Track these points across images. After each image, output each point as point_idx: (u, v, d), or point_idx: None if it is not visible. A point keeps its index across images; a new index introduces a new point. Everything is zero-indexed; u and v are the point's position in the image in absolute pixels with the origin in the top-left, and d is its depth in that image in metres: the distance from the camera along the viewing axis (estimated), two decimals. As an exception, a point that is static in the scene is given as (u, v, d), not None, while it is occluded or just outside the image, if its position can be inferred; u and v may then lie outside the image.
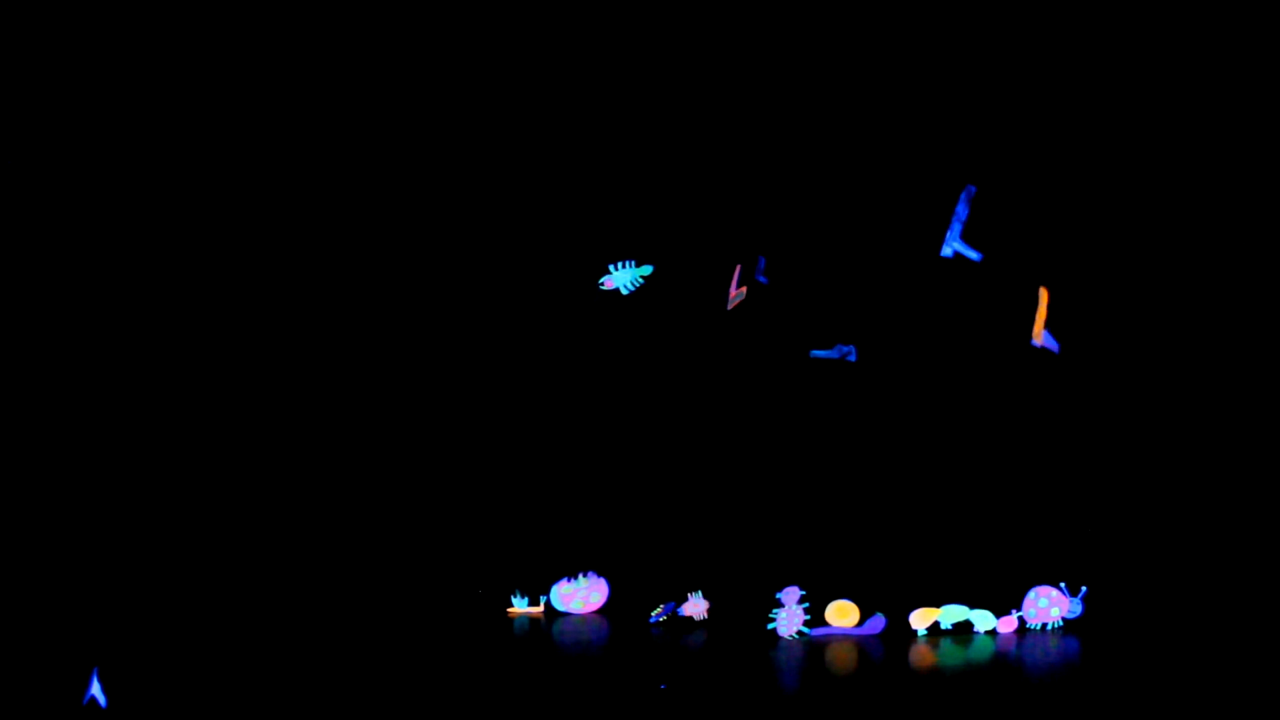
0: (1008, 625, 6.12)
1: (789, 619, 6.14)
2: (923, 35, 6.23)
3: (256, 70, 6.44)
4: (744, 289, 6.32)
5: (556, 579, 6.81)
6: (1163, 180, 6.15)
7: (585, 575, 6.80)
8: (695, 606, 6.47)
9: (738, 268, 6.34)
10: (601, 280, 6.52)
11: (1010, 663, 5.62)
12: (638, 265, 6.50)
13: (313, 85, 6.51)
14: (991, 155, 6.25)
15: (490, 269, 6.81)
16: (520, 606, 6.82)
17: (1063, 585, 6.08)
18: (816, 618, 6.17)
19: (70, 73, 6.27)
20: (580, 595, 6.77)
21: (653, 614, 6.44)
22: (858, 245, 6.39)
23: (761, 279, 6.23)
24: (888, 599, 6.19)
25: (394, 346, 6.78)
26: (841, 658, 5.77)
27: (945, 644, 5.95)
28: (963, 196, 5.85)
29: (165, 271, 6.51)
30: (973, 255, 5.94)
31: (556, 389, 6.83)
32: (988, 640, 6.01)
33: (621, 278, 6.47)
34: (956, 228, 5.89)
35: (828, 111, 6.36)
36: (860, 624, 6.18)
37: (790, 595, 6.17)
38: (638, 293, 6.58)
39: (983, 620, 6.12)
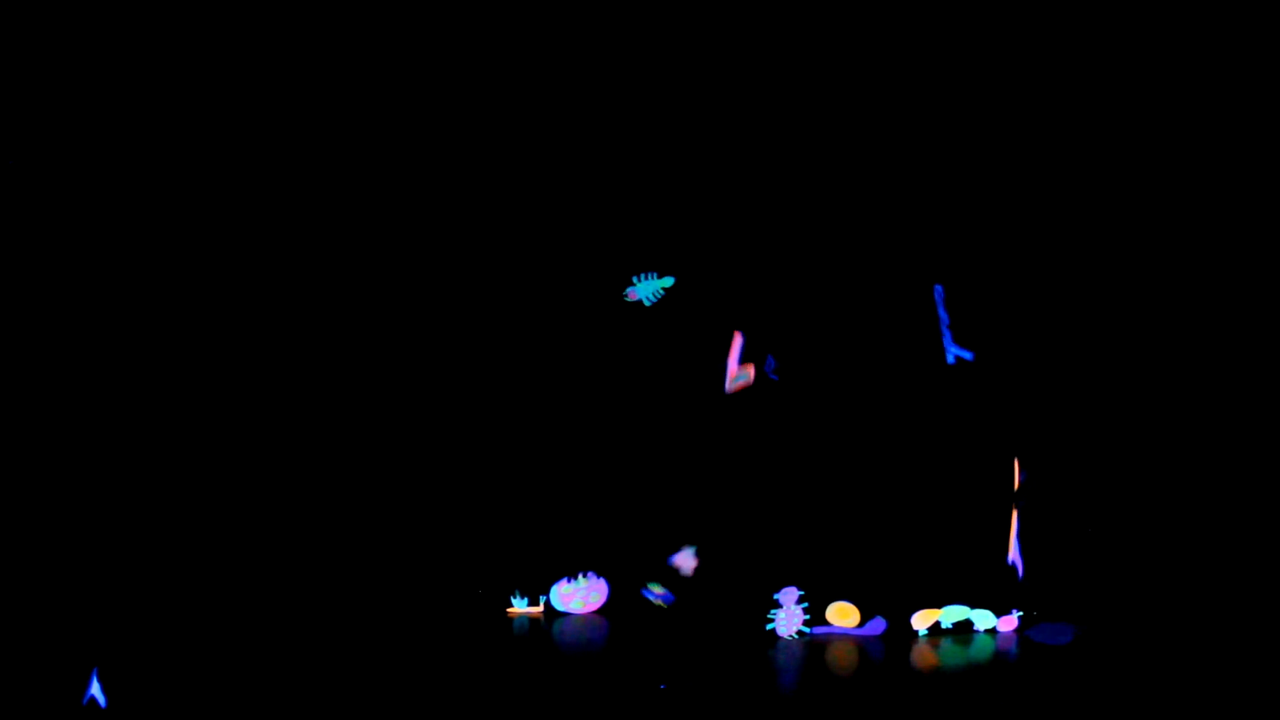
0: (1008, 624, 6.13)
1: (788, 619, 6.15)
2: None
3: (290, 82, 6.46)
4: (749, 368, 6.35)
5: (556, 579, 6.81)
6: (1155, 181, 6.16)
7: (585, 575, 6.80)
8: (686, 561, 6.49)
9: (738, 337, 6.38)
10: (625, 291, 6.57)
11: (1010, 662, 5.62)
12: (659, 276, 6.56)
13: (333, 93, 6.52)
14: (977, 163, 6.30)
15: (490, 270, 6.81)
16: (520, 606, 6.82)
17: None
18: (816, 618, 6.19)
19: (70, 73, 6.26)
20: (580, 595, 6.78)
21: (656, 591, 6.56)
22: (862, 247, 6.41)
23: (773, 376, 6.27)
24: (887, 600, 6.21)
25: (395, 347, 6.78)
26: (840, 657, 5.77)
27: (945, 643, 5.96)
28: (938, 300, 5.94)
29: (166, 272, 6.51)
30: (967, 355, 6.05)
31: (557, 390, 6.83)
32: (988, 639, 6.01)
33: (645, 289, 6.52)
34: (947, 333, 5.99)
35: (835, 126, 6.40)
36: (860, 626, 6.19)
37: (788, 595, 6.18)
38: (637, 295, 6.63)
39: (983, 619, 6.12)
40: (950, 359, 6.17)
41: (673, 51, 6.40)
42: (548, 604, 6.82)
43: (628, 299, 6.56)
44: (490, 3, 6.39)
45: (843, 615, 6.22)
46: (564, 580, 6.80)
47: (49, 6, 6.17)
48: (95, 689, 4.73)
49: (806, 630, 6.16)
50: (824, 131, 6.39)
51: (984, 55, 6.18)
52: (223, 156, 6.50)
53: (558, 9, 6.38)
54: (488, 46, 6.47)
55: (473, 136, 6.64)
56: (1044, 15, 6.06)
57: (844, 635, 6.16)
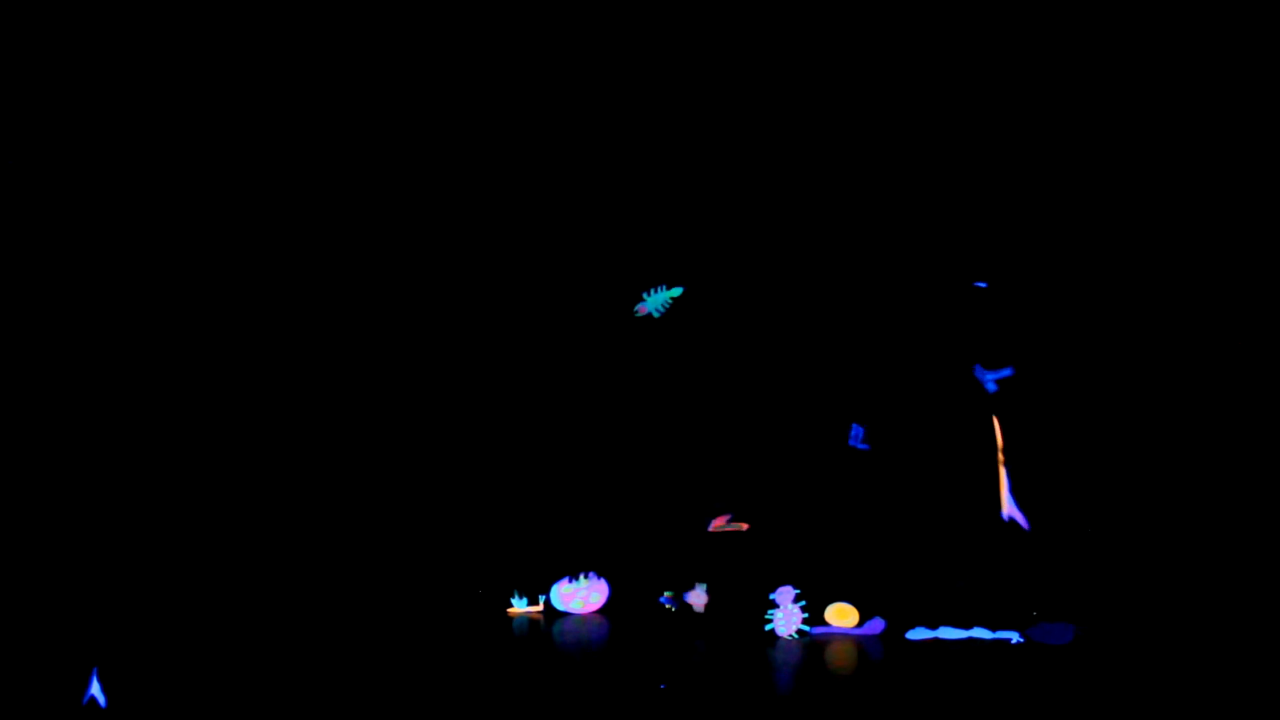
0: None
1: (786, 619, 6.15)
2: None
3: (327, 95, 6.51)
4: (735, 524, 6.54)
5: (556, 579, 6.82)
6: (1151, 187, 6.17)
7: (585, 575, 6.81)
8: (697, 597, 6.53)
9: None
10: (636, 308, 6.60)
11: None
12: (668, 288, 6.60)
13: (347, 106, 6.55)
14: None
15: (492, 273, 6.82)
16: (520, 606, 6.82)
17: None
18: (815, 618, 6.20)
19: (70, 73, 6.27)
20: (580, 595, 6.78)
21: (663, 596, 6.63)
22: (865, 258, 6.43)
23: (862, 445, 6.32)
24: (886, 602, 6.22)
25: (397, 349, 6.79)
26: (839, 656, 5.78)
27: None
28: None
29: (169, 272, 6.51)
30: (1006, 373, 6.15)
31: (557, 391, 6.83)
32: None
33: (654, 302, 6.55)
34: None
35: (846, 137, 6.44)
36: (859, 626, 6.20)
37: (785, 595, 6.18)
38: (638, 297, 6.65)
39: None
40: (992, 388, 6.23)
41: (679, 70, 6.44)
42: (548, 604, 6.83)
43: (638, 314, 6.60)
44: (511, 40, 6.44)
45: (841, 616, 6.23)
46: (564, 580, 6.81)
47: (49, 6, 6.17)
48: (95, 689, 4.74)
49: (806, 630, 6.16)
50: (833, 141, 6.43)
51: (1007, 90, 6.22)
52: (237, 165, 6.53)
53: (575, 42, 6.43)
54: (504, 72, 6.52)
55: (485, 149, 6.67)
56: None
57: (843, 635, 6.17)
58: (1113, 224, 6.24)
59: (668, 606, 6.61)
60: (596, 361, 6.79)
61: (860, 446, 6.32)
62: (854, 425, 6.29)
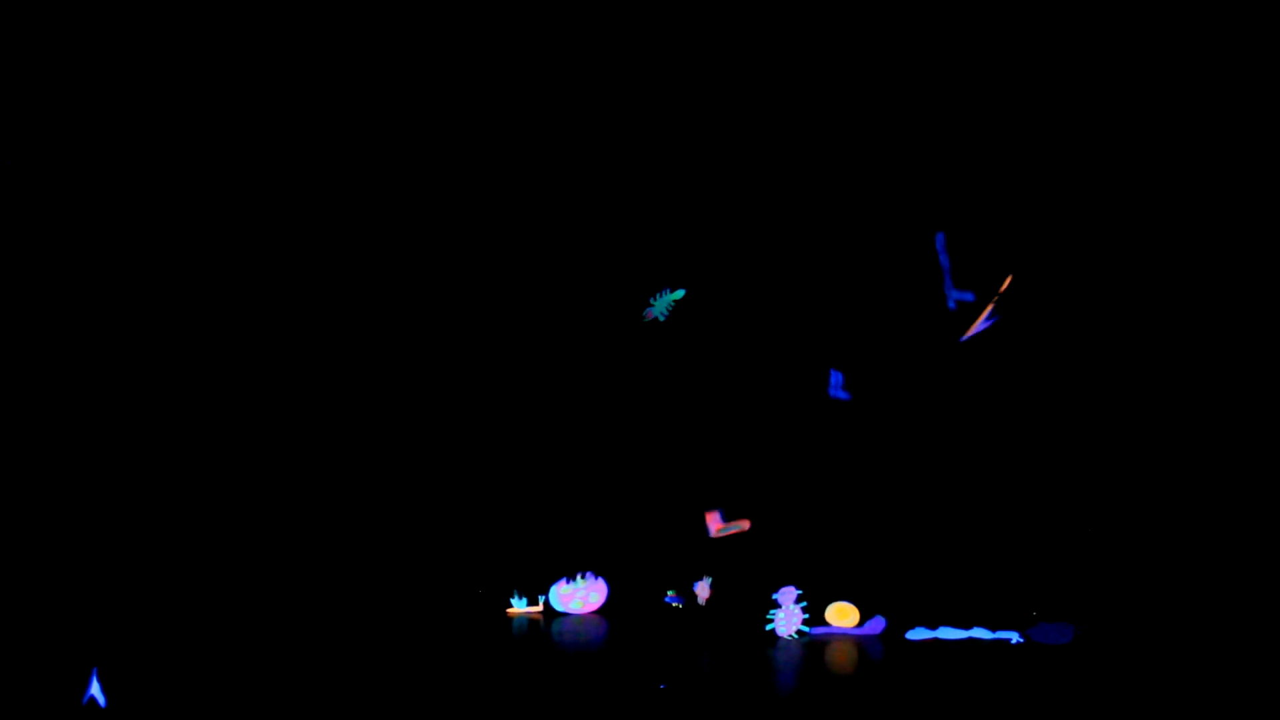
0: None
1: (787, 619, 6.15)
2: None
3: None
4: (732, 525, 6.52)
5: (556, 579, 6.82)
6: (1154, 184, 6.16)
7: (585, 575, 6.81)
8: (703, 590, 6.53)
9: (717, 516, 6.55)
10: (645, 312, 6.61)
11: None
12: (671, 291, 6.61)
13: (354, 108, 6.57)
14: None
15: (492, 274, 6.82)
16: (519, 606, 6.82)
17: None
18: (815, 618, 6.20)
19: (70, 73, 6.26)
20: (580, 595, 6.78)
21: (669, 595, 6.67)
22: (864, 258, 6.43)
23: (843, 395, 6.31)
24: (886, 601, 6.22)
25: (398, 350, 6.79)
26: (839, 656, 5.78)
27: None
28: (939, 247, 6.02)
29: (170, 274, 6.51)
30: (968, 297, 6.11)
31: (557, 392, 6.84)
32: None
33: (659, 306, 6.57)
34: (948, 279, 6.06)
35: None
36: (860, 625, 6.20)
37: (787, 595, 6.19)
38: (640, 299, 6.65)
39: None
40: (951, 304, 6.18)
41: (682, 88, 6.47)
42: (547, 604, 6.83)
43: (646, 319, 6.62)
44: (518, 50, 6.46)
45: (841, 615, 6.23)
46: (563, 580, 6.81)
47: (49, 6, 6.17)
48: (95, 689, 4.73)
49: (806, 630, 6.16)
50: (828, 141, 6.45)
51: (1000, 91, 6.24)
52: (243, 166, 6.53)
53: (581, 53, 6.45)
54: (514, 82, 6.55)
55: (492, 154, 6.69)
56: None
57: (843, 635, 6.17)
58: (1114, 226, 6.24)
59: (674, 605, 6.62)
60: (595, 362, 6.79)
61: (840, 395, 6.29)
62: (832, 372, 6.25)
